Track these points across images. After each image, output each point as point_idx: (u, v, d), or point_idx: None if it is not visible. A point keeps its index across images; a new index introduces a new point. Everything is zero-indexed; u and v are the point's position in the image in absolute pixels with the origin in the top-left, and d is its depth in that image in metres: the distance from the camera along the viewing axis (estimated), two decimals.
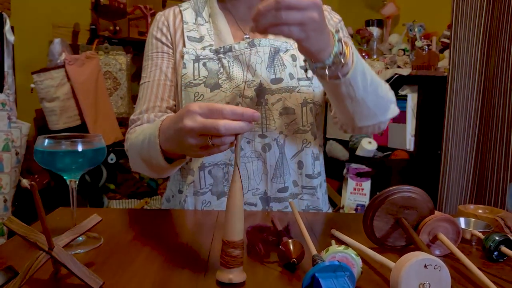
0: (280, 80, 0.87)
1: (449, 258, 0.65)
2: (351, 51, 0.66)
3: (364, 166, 2.01)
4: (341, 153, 2.13)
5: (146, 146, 0.70)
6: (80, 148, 0.65)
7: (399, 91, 2.06)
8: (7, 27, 1.72)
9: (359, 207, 2.06)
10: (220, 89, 0.85)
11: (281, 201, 0.90)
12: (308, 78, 0.88)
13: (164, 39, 0.92)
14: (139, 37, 2.05)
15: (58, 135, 0.68)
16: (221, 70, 0.86)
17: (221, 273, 0.54)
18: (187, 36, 0.90)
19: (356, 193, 2.05)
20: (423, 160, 2.04)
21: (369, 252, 0.59)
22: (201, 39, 0.90)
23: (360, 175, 2.02)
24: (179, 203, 0.93)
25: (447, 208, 1.97)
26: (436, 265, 0.47)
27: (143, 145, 0.72)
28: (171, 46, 0.92)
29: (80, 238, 0.67)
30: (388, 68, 2.12)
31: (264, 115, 0.87)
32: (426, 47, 1.97)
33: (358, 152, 2.03)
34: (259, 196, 0.89)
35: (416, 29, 2.11)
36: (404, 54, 2.10)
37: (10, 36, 1.73)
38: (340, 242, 0.68)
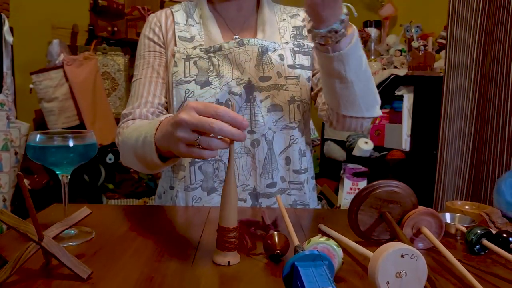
0: (268, 78, 0.90)
1: (432, 251, 0.66)
2: (353, 29, 0.73)
3: (360, 166, 2.02)
4: (338, 153, 2.14)
5: (141, 144, 0.70)
6: (71, 143, 0.66)
7: (395, 92, 2.07)
8: (5, 27, 1.74)
9: None
10: (210, 86, 0.88)
11: (269, 196, 0.91)
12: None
13: (156, 39, 0.95)
14: (137, 38, 2.06)
15: (51, 131, 0.70)
16: (211, 68, 0.89)
17: (218, 256, 0.58)
18: (178, 36, 0.93)
19: (353, 193, 2.06)
20: (419, 160, 2.05)
21: (352, 244, 0.61)
22: (191, 39, 0.93)
23: (356, 175, 2.03)
24: (170, 199, 0.95)
25: (443, 207, 1.96)
26: (412, 254, 0.48)
27: (137, 143, 0.71)
28: (163, 45, 0.95)
29: (72, 231, 0.69)
30: (385, 68, 2.14)
31: (253, 111, 0.89)
32: (423, 48, 1.98)
33: (355, 152, 2.04)
34: (248, 192, 0.91)
35: (413, 30, 2.12)
36: (401, 54, 2.11)
37: (8, 37, 1.76)
38: (325, 235, 0.70)
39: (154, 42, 0.95)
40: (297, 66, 0.93)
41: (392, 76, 2.00)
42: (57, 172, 0.69)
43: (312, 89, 0.98)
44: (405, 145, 2.04)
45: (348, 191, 2.04)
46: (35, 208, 0.52)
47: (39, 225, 0.53)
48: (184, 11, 0.97)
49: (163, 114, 0.91)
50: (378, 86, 2.05)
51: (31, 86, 1.86)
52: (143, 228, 0.73)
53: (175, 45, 0.92)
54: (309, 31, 0.72)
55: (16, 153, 1.81)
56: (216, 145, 0.53)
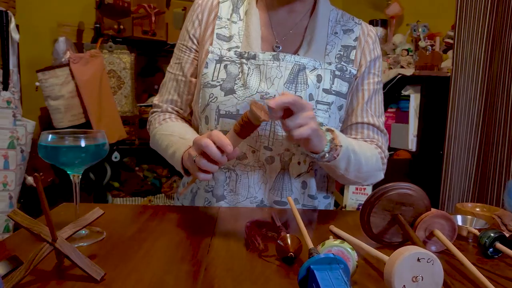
0: None
1: (444, 254, 0.66)
2: (338, 137, 0.79)
3: None
4: None
5: (170, 155, 0.82)
6: (83, 144, 0.66)
7: (402, 91, 2.05)
8: (12, 25, 1.74)
9: (361, 206, 2.05)
10: (234, 95, 0.84)
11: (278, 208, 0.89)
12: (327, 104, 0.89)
13: (192, 33, 0.92)
14: (143, 36, 2.06)
15: (62, 130, 0.70)
16: (240, 76, 0.85)
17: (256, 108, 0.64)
18: (217, 34, 0.89)
19: (358, 193, 2.04)
20: (425, 160, 2.04)
21: (365, 247, 0.60)
22: (230, 38, 0.89)
23: None
24: (190, 192, 0.95)
25: (449, 208, 1.97)
26: (429, 258, 0.48)
27: (166, 151, 0.84)
28: (197, 42, 0.93)
29: (83, 231, 0.69)
30: (391, 68, 2.12)
31: (273, 129, 0.84)
32: (430, 48, 1.97)
33: None
34: (255, 205, 0.89)
35: (420, 29, 2.11)
36: (408, 54, 2.10)
37: (15, 35, 1.75)
38: (337, 237, 0.69)
39: (190, 36, 0.93)
40: (333, 92, 0.87)
41: (399, 76, 1.99)
42: (68, 172, 0.69)
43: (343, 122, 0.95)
44: (412, 145, 2.03)
45: (354, 191, 2.03)
46: (40, 211, 0.52)
47: (53, 226, 0.53)
48: (232, 2, 0.92)
49: (182, 114, 0.97)
50: (384, 86, 2.04)
51: (37, 84, 1.86)
52: (153, 228, 0.73)
53: (211, 43, 0.89)
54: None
55: (22, 151, 1.81)
56: (202, 177, 0.68)
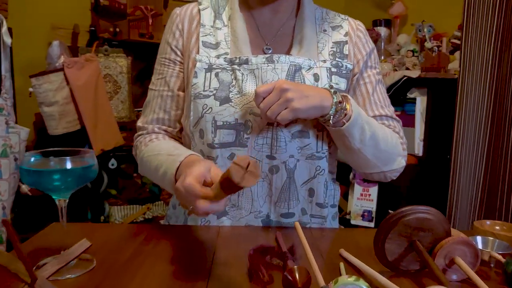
0: None
1: (466, 283, 0.61)
2: (351, 103, 0.76)
3: None
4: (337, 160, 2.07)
5: (161, 177, 0.75)
6: (69, 166, 0.60)
7: (407, 94, 1.99)
8: (4, 29, 1.68)
9: (366, 213, 2.00)
10: (230, 103, 0.80)
11: (282, 227, 0.85)
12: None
13: (174, 44, 0.87)
14: (139, 39, 2.00)
15: (47, 150, 0.64)
16: (233, 83, 0.81)
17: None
18: (202, 41, 0.84)
19: (363, 199, 1.99)
20: (432, 166, 1.99)
21: (383, 281, 0.55)
22: (216, 45, 0.84)
23: (367, 180, 1.96)
24: (183, 213, 0.90)
25: (457, 215, 1.92)
26: None
27: (157, 173, 0.77)
28: (180, 54, 0.87)
29: (72, 260, 0.63)
30: (396, 70, 2.06)
31: (274, 136, 0.81)
32: (436, 48, 1.91)
33: None
34: (261, 219, 0.84)
35: (425, 30, 2.05)
36: (413, 55, 2.04)
37: (7, 39, 1.69)
38: (349, 264, 0.65)
39: (171, 48, 0.87)
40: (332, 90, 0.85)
41: (405, 78, 1.93)
42: (53, 197, 0.63)
43: None
44: (418, 150, 1.97)
45: (358, 197, 1.98)
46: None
47: (31, 266, 0.47)
48: (213, 9, 0.88)
49: (171, 132, 0.91)
50: (389, 88, 1.98)
51: (30, 89, 1.80)
52: (147, 253, 0.68)
53: (198, 52, 0.84)
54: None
55: (16, 159, 1.76)
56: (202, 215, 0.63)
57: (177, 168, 0.70)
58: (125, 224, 0.82)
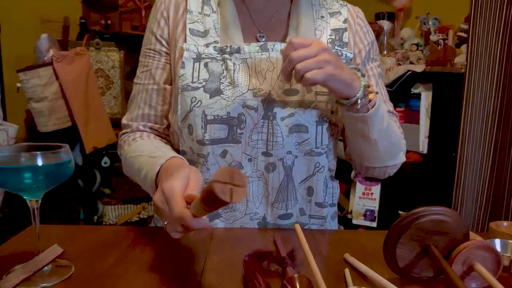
0: (295, 92, 0.76)
1: None
2: (375, 89, 0.72)
3: None
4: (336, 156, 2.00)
5: (143, 180, 0.70)
6: (40, 162, 0.53)
7: (412, 89, 1.93)
8: None
9: (368, 213, 1.94)
10: (221, 95, 0.74)
11: (281, 228, 0.79)
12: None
13: (159, 34, 0.81)
14: (132, 31, 1.94)
15: (18, 145, 0.59)
16: (224, 74, 0.75)
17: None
18: (190, 29, 0.78)
19: (365, 198, 1.93)
20: (437, 163, 1.93)
21: None
22: (205, 33, 0.78)
23: (369, 178, 1.89)
24: None
25: (462, 214, 1.87)
26: None
27: (139, 175, 0.71)
28: (166, 44, 0.81)
29: (46, 267, 0.56)
30: (400, 64, 2.00)
31: (270, 131, 0.75)
32: (442, 42, 1.84)
33: None
34: (257, 221, 0.79)
35: (430, 22, 1.98)
36: (418, 49, 1.97)
37: None
38: (354, 270, 0.59)
39: (156, 38, 0.81)
40: None
41: (409, 73, 1.86)
42: (25, 197, 0.56)
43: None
44: (423, 147, 1.91)
45: (360, 196, 1.91)
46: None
47: None
48: None
49: (158, 129, 0.85)
50: (393, 83, 1.92)
51: (18, 84, 1.73)
52: (133, 259, 0.62)
53: (185, 40, 0.78)
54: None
55: None
56: (177, 235, 0.54)
57: (158, 173, 0.65)
58: (110, 226, 0.76)
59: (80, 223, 1.89)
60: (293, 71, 0.65)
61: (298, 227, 0.60)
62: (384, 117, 0.75)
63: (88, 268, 0.58)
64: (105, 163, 1.89)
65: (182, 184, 0.53)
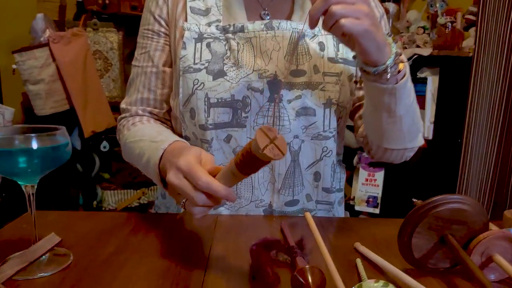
0: (302, 72, 0.73)
1: (506, 284, 0.54)
2: (405, 58, 0.64)
3: None
4: (352, 140, 1.96)
5: (144, 165, 0.66)
6: (35, 145, 0.50)
7: (417, 74, 1.89)
8: None
9: (370, 199, 1.92)
10: (225, 77, 0.71)
11: (287, 215, 0.77)
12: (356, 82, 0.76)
13: (157, 13, 0.77)
14: (131, 12, 1.87)
15: (13, 127, 0.56)
16: (228, 54, 0.72)
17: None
18: (190, 7, 0.75)
19: (368, 184, 1.90)
20: (442, 149, 1.90)
21: (409, 282, 0.47)
22: (206, 11, 0.75)
23: (373, 165, 1.87)
24: (175, 203, 0.80)
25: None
26: None
27: (140, 160, 0.68)
28: (165, 24, 0.78)
29: (43, 257, 0.54)
30: (406, 47, 1.95)
31: (276, 114, 0.72)
32: (450, 24, 1.79)
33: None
34: (262, 209, 0.77)
35: (437, 5, 1.92)
36: (424, 32, 1.92)
37: None
38: (366, 260, 0.57)
39: (154, 18, 0.77)
40: (340, 60, 0.75)
41: (415, 56, 1.82)
42: (19, 183, 0.53)
43: (352, 95, 0.81)
44: (428, 132, 1.88)
45: (363, 182, 1.89)
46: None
47: None
48: None
49: (157, 114, 0.82)
50: None
51: (14, 66, 1.69)
52: (134, 247, 0.59)
53: (186, 19, 0.74)
54: (353, 57, 0.64)
55: None
56: (199, 212, 0.53)
57: (161, 157, 0.61)
58: (109, 212, 0.73)
59: (79, 208, 1.87)
60: (325, 15, 0.55)
61: (308, 215, 0.57)
62: (411, 90, 0.68)
63: (87, 256, 0.56)
64: (104, 147, 1.86)
65: (197, 160, 0.53)
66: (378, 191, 1.89)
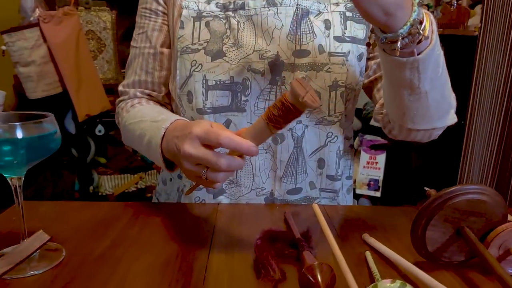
0: (306, 53, 0.68)
1: None
2: (431, 23, 0.51)
3: (379, 138, 1.82)
4: (353, 122, 1.93)
5: (146, 147, 0.63)
6: (20, 135, 0.46)
7: None
8: None
9: (372, 182, 1.90)
10: (224, 58, 0.68)
11: (290, 204, 0.75)
12: (368, 45, 0.63)
13: None
14: None
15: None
16: (228, 33, 0.68)
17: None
18: None
19: (370, 167, 1.88)
20: (445, 131, 1.86)
21: (423, 278, 0.45)
22: None
23: (374, 147, 1.84)
24: (177, 190, 0.79)
25: (469, 181, 1.83)
26: None
27: (141, 142, 0.65)
28: (162, 2, 0.74)
29: (34, 252, 0.50)
30: None
31: (278, 97, 0.68)
32: (455, 2, 1.73)
33: (373, 122, 1.84)
34: (263, 197, 0.74)
35: None
36: (428, 10, 1.86)
37: None
38: (375, 253, 0.54)
39: None
40: (347, 39, 0.70)
41: None
42: (5, 175, 0.49)
43: (366, 72, 0.75)
44: None
45: (364, 165, 1.86)
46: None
47: None
48: None
49: (156, 97, 0.78)
50: None
51: (3, 48, 1.62)
52: (131, 240, 0.56)
53: None
54: (372, 31, 0.54)
55: None
56: (223, 179, 0.52)
57: (163, 137, 0.58)
58: (104, 203, 0.70)
59: (75, 194, 1.84)
60: None
61: (316, 207, 0.54)
62: (439, 58, 0.56)
63: (81, 251, 0.53)
64: (100, 131, 1.82)
65: (210, 125, 0.51)
66: (379, 174, 1.86)
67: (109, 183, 1.91)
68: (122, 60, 1.91)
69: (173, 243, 0.56)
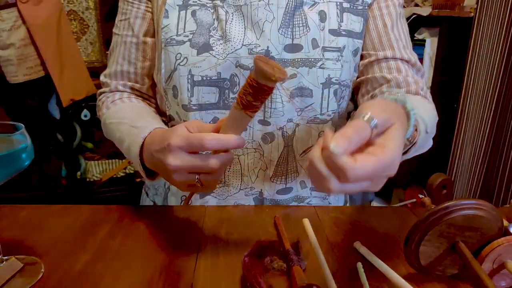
0: (298, 47, 0.64)
1: None
2: (419, 133, 0.54)
3: None
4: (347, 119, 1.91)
5: (125, 151, 0.62)
6: None
7: (415, 35, 1.79)
8: None
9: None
10: (211, 52, 0.64)
11: (279, 205, 0.73)
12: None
13: None
14: None
15: None
16: (215, 25, 0.64)
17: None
18: None
19: None
20: (438, 115, 1.85)
21: None
22: None
23: None
24: (163, 186, 0.76)
25: (459, 167, 1.83)
26: None
27: (121, 145, 0.63)
28: None
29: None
30: (404, 7, 1.83)
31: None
32: None
33: None
34: (252, 197, 0.72)
35: None
36: None
37: None
38: (367, 263, 0.52)
39: None
40: (343, 33, 0.67)
41: (414, 16, 1.71)
42: None
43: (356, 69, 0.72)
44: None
45: None
46: None
47: None
48: None
49: (139, 89, 0.75)
50: None
51: None
52: (114, 251, 0.54)
53: None
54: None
55: None
56: (217, 178, 0.50)
57: (141, 147, 0.56)
58: (85, 206, 0.67)
59: (62, 181, 1.80)
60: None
61: (307, 222, 0.52)
62: (428, 138, 0.59)
63: (60, 266, 0.51)
64: (85, 116, 1.76)
65: (187, 130, 0.50)
66: None
67: (96, 169, 1.87)
68: (106, 42, 1.83)
69: (157, 257, 0.53)
